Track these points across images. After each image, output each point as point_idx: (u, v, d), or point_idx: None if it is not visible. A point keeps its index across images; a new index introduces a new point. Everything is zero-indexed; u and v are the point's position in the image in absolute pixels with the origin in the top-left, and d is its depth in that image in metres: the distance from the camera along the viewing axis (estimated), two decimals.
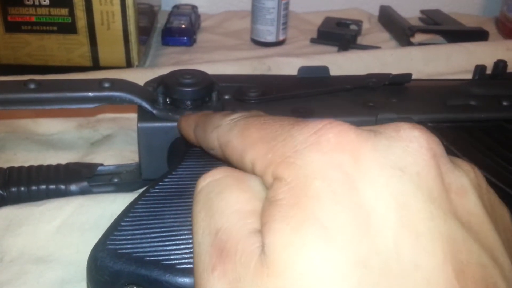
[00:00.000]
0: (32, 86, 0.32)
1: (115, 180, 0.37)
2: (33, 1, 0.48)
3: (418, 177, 0.16)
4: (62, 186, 0.35)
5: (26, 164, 0.37)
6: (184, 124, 0.27)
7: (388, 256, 0.14)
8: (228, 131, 0.20)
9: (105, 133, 0.45)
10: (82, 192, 0.35)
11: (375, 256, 0.14)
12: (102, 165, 0.38)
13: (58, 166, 0.36)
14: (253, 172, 0.18)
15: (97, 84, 0.33)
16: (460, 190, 0.17)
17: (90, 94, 0.32)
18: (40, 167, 0.36)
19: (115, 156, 0.41)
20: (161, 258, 0.23)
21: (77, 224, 0.33)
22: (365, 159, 0.16)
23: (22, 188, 0.34)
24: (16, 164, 0.37)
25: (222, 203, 0.18)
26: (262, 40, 0.68)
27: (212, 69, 0.41)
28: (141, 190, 0.37)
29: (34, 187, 0.35)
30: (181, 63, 0.61)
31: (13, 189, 0.34)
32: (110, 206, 0.34)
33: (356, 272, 0.14)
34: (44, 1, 0.48)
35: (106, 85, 0.33)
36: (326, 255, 0.14)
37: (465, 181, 0.17)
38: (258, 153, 0.18)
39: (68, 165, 0.37)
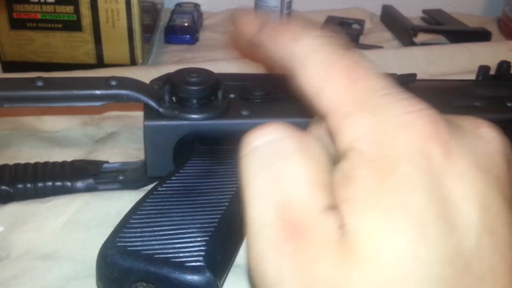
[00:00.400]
0: (39, 83, 0.32)
1: (120, 177, 0.37)
2: None
3: (498, 180, 0.16)
4: (68, 183, 0.35)
5: (31, 161, 0.37)
6: (243, 20, 0.21)
7: (471, 257, 0.14)
8: (309, 52, 0.17)
9: (109, 130, 0.45)
10: (88, 189, 0.35)
11: (460, 255, 0.14)
12: (107, 162, 0.38)
13: (63, 163, 0.37)
14: (321, 120, 0.17)
15: (104, 82, 0.33)
16: None
17: (97, 92, 0.33)
18: (46, 164, 0.36)
19: (120, 153, 0.42)
20: (170, 255, 0.23)
21: (83, 221, 0.33)
22: (455, 154, 0.15)
23: (29, 185, 0.35)
24: (21, 161, 0.37)
25: (289, 172, 0.16)
26: None
27: (216, 68, 0.41)
28: (146, 188, 0.37)
29: (40, 184, 0.35)
30: (184, 61, 0.61)
31: (20, 185, 0.34)
32: (116, 203, 0.34)
33: (443, 269, 0.14)
34: None
35: (113, 83, 0.33)
36: (418, 247, 0.14)
37: None
38: (340, 106, 0.16)
39: (73, 162, 0.37)
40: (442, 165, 0.15)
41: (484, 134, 0.16)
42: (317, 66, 0.17)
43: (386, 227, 0.14)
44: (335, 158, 0.17)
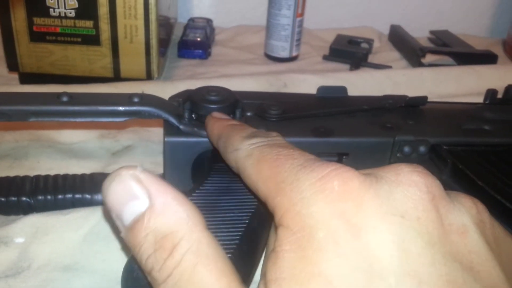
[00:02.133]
0: (64, 99, 0.33)
1: None
2: (59, 13, 0.49)
3: (418, 222, 0.16)
4: (88, 196, 0.36)
5: (49, 172, 0.38)
6: (209, 129, 0.29)
7: None
8: (245, 158, 0.22)
9: (125, 143, 0.46)
10: None
11: None
12: None
13: (83, 175, 0.37)
14: (265, 205, 0.19)
15: (127, 99, 0.34)
16: (461, 229, 0.17)
17: (121, 108, 0.34)
18: (66, 176, 0.37)
19: None
20: None
21: (102, 234, 0.34)
22: (368, 206, 0.16)
23: (49, 197, 0.35)
24: (40, 172, 0.38)
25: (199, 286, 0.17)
26: (276, 55, 0.69)
27: (229, 84, 0.42)
28: None
29: (60, 196, 0.36)
30: (197, 76, 0.62)
31: (40, 197, 0.35)
32: None
33: None
34: (70, 13, 0.49)
35: (136, 99, 0.34)
36: None
37: (466, 220, 0.17)
38: (269, 192, 0.19)
39: (93, 175, 0.38)
40: (356, 220, 0.16)
41: (404, 179, 0.17)
42: (250, 168, 0.21)
43: None
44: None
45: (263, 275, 0.17)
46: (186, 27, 0.72)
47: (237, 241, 0.26)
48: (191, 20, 0.75)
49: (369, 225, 0.16)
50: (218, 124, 0.28)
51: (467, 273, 0.16)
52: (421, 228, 0.16)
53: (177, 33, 0.73)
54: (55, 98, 0.33)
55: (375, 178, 0.17)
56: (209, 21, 0.75)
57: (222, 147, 0.26)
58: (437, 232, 0.16)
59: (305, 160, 0.19)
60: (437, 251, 0.16)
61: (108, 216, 0.21)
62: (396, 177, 0.17)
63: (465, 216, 0.17)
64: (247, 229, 0.28)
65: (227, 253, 0.25)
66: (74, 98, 0.34)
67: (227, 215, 0.28)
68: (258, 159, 0.21)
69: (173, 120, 0.35)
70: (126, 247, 0.18)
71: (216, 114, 0.32)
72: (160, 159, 0.44)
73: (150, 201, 0.17)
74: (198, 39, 0.68)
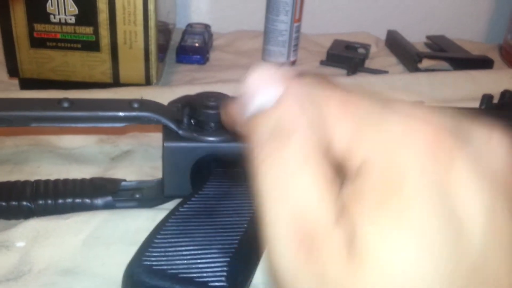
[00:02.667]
0: (65, 104, 0.34)
1: (137, 195, 0.38)
2: (59, 19, 0.49)
3: (507, 188, 0.16)
4: (88, 200, 0.36)
5: (50, 177, 0.38)
6: (227, 108, 0.22)
7: (477, 268, 0.15)
8: (306, 85, 0.19)
9: (124, 148, 0.46)
10: (106, 206, 0.37)
11: (465, 267, 0.15)
12: (125, 180, 0.39)
13: (83, 180, 0.38)
14: (333, 146, 0.17)
15: (127, 105, 0.35)
16: None
17: (121, 114, 0.34)
18: (66, 180, 0.38)
19: (135, 171, 0.43)
20: (194, 275, 0.25)
21: (102, 238, 0.34)
22: (461, 165, 0.16)
23: (49, 201, 0.36)
24: (40, 176, 0.38)
25: (301, 184, 0.17)
26: (274, 60, 0.70)
27: (228, 89, 0.42)
28: (161, 207, 0.38)
29: (60, 200, 0.36)
30: (195, 81, 0.63)
31: (41, 201, 0.36)
32: (134, 221, 0.35)
33: (448, 281, 0.15)
34: (70, 19, 0.49)
35: (136, 105, 0.35)
36: (422, 262, 0.15)
37: None
38: (347, 127, 0.17)
39: (93, 180, 0.38)
40: (448, 177, 0.15)
41: (494, 142, 0.17)
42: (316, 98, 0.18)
43: (394, 240, 0.15)
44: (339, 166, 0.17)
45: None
46: (185, 32, 0.73)
47: (235, 245, 0.27)
48: (189, 25, 0.76)
49: (461, 184, 0.15)
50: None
51: None
52: (509, 194, 0.16)
53: (175, 39, 0.73)
54: (56, 104, 0.34)
55: (465, 135, 0.16)
56: (207, 26, 0.76)
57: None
58: None
59: (382, 99, 0.17)
60: None
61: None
62: (486, 138, 0.17)
63: None
64: (245, 233, 0.28)
65: (227, 256, 0.26)
66: (75, 104, 0.34)
67: (226, 219, 0.29)
68: (326, 92, 0.18)
69: (172, 125, 0.35)
70: None
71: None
72: (159, 163, 0.44)
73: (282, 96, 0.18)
74: (196, 44, 0.69)
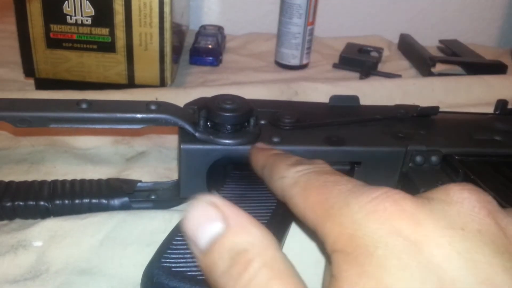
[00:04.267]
0: (84, 106, 0.34)
1: (153, 196, 0.38)
2: (76, 20, 0.50)
3: (480, 233, 0.16)
4: (104, 201, 0.37)
5: (66, 177, 0.39)
6: (254, 160, 0.29)
7: None
8: (291, 187, 0.22)
9: (139, 149, 0.46)
10: (123, 207, 0.37)
11: None
12: (140, 181, 0.39)
13: (99, 181, 0.38)
14: (315, 232, 0.19)
15: (145, 106, 0.35)
16: None
17: (138, 115, 0.34)
18: (82, 181, 0.38)
19: (150, 172, 0.43)
20: None
21: (119, 239, 0.34)
22: (425, 223, 0.16)
23: (66, 201, 0.36)
24: (56, 176, 0.39)
25: None
26: (286, 63, 0.70)
27: (242, 91, 0.43)
28: (176, 208, 0.38)
29: (77, 201, 0.36)
30: (209, 82, 0.63)
31: (58, 201, 0.36)
32: (151, 222, 0.35)
33: None
34: (86, 20, 0.50)
35: (153, 107, 0.35)
36: None
37: None
38: (318, 219, 0.19)
39: (109, 181, 0.38)
40: (415, 236, 0.16)
41: (455, 197, 0.17)
42: (296, 196, 0.21)
43: None
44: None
45: None
46: (198, 34, 0.73)
47: None
48: (203, 27, 0.76)
49: (430, 240, 0.16)
50: (263, 153, 0.29)
51: None
52: (484, 239, 0.16)
53: (188, 40, 0.73)
54: (75, 105, 0.34)
55: (426, 199, 0.17)
56: (220, 28, 0.76)
57: (267, 176, 0.26)
58: (502, 242, 0.16)
59: (353, 186, 0.19)
60: (508, 259, 0.16)
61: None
62: (446, 196, 0.17)
63: None
64: None
65: None
66: (93, 105, 0.34)
67: None
68: (305, 186, 0.21)
69: (189, 127, 0.36)
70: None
71: (260, 145, 0.32)
72: (173, 165, 0.44)
73: (226, 223, 0.18)
74: (210, 46, 0.69)
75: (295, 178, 0.22)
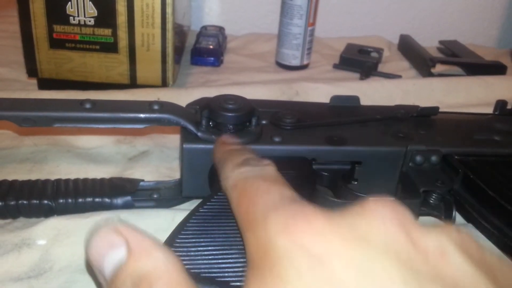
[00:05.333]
0: (87, 105, 0.34)
1: (155, 195, 0.39)
2: (79, 21, 0.50)
3: (385, 245, 0.16)
4: (107, 200, 0.37)
5: (69, 176, 0.39)
6: (214, 153, 0.30)
7: None
8: (231, 190, 0.23)
9: (141, 149, 0.47)
10: (125, 206, 0.37)
11: None
12: (143, 180, 0.39)
13: (102, 180, 0.38)
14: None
15: (148, 106, 0.35)
16: (438, 252, 0.17)
17: (141, 115, 0.35)
18: (85, 180, 0.38)
19: (152, 172, 0.43)
20: (216, 275, 0.25)
21: None
22: (329, 237, 0.16)
23: (70, 200, 0.36)
24: (59, 176, 0.39)
25: None
26: (287, 63, 0.70)
27: (243, 91, 0.43)
28: (178, 207, 0.39)
29: (80, 199, 0.37)
30: (210, 83, 0.63)
31: (61, 200, 0.36)
32: (154, 221, 0.36)
33: None
34: (89, 21, 0.50)
35: (156, 107, 0.35)
36: None
37: (444, 242, 0.17)
38: (243, 228, 0.20)
39: (112, 180, 0.39)
40: (318, 249, 0.16)
41: (368, 211, 0.17)
42: (233, 200, 0.22)
43: None
44: None
45: None
46: (199, 34, 0.73)
47: None
48: (204, 28, 0.76)
49: (332, 253, 0.16)
50: (219, 148, 0.29)
51: None
52: (388, 250, 0.16)
53: (190, 41, 0.74)
54: (79, 105, 0.34)
55: (340, 214, 0.18)
56: (221, 29, 0.77)
57: (219, 173, 0.27)
58: (408, 254, 0.16)
59: (280, 198, 0.19)
60: (409, 271, 0.16)
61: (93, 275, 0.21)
62: (361, 210, 0.18)
63: (443, 238, 0.17)
64: None
65: (243, 257, 0.26)
66: (97, 105, 0.35)
67: None
68: (240, 192, 0.22)
69: (191, 127, 0.36)
70: None
71: (223, 138, 0.32)
72: (175, 164, 0.45)
73: (128, 248, 0.18)
74: (211, 46, 0.70)
75: (235, 181, 0.23)
